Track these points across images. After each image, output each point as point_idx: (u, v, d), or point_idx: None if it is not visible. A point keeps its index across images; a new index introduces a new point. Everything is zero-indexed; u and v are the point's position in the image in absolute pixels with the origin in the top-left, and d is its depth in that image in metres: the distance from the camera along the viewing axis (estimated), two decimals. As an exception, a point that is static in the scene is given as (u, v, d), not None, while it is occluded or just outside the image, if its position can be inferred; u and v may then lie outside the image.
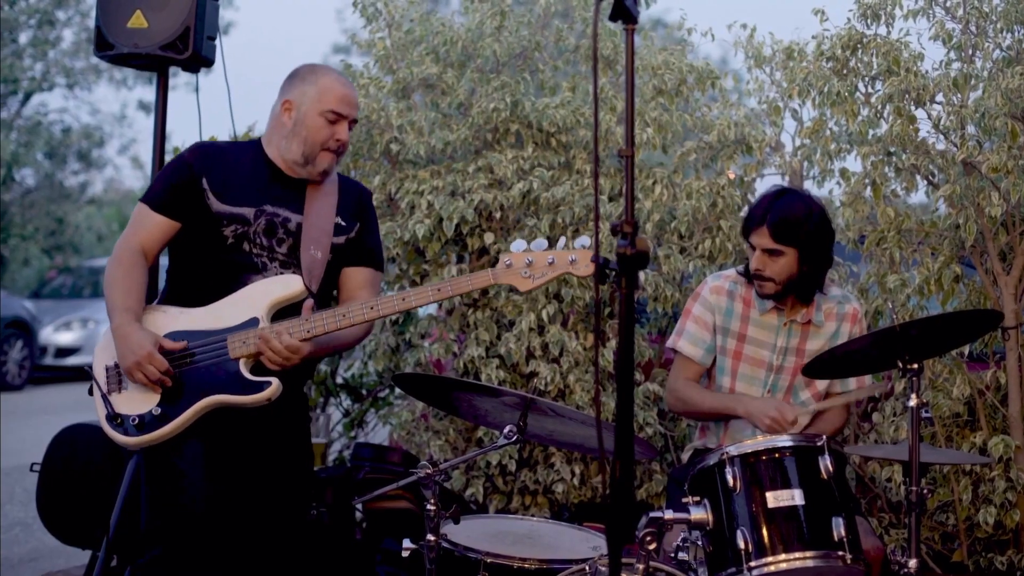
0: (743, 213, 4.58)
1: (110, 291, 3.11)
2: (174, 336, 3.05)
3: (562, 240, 2.95)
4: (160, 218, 3.15)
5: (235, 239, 3.11)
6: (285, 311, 3.08)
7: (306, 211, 3.18)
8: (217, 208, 3.11)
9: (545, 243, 2.96)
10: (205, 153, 3.20)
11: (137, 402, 3.03)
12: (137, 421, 3.00)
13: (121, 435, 3.02)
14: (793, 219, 3.45)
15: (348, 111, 3.18)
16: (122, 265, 3.12)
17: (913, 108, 4.06)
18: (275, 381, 3.01)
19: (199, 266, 3.16)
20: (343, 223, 3.25)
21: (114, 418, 3.02)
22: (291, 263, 3.15)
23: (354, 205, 3.32)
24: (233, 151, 3.25)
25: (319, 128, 3.15)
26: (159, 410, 3.00)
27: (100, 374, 3.09)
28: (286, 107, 3.19)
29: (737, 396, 3.56)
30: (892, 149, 4.13)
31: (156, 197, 3.17)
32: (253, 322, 3.03)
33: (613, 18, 2.05)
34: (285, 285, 3.09)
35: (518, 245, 2.96)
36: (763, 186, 4.67)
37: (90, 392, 3.11)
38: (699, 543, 2.83)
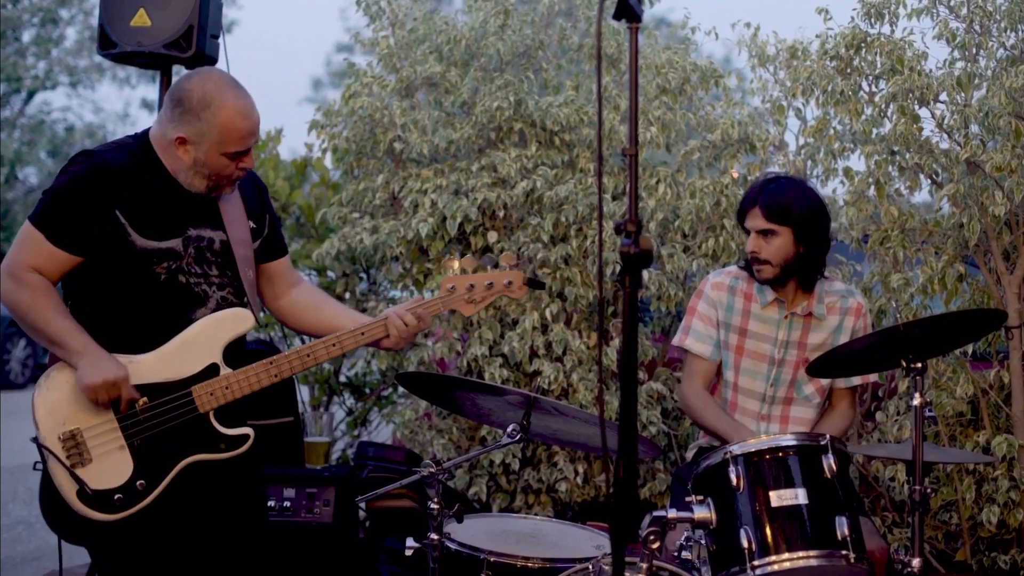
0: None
1: (42, 315, 2.79)
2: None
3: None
4: (61, 253, 2.82)
5: (168, 274, 2.89)
6: (235, 341, 2.96)
7: (227, 228, 3.00)
8: (143, 245, 2.85)
9: (475, 261, 2.98)
10: (108, 176, 2.84)
11: (111, 473, 2.79)
12: (121, 498, 2.79)
13: (100, 513, 2.78)
14: (785, 199, 3.46)
15: (252, 142, 2.92)
16: (32, 287, 2.80)
17: (917, 107, 4.06)
18: (251, 432, 2.93)
19: (131, 305, 2.88)
20: (254, 225, 3.09)
21: (90, 496, 2.76)
22: (225, 282, 2.99)
23: (256, 198, 3.15)
24: (132, 164, 2.90)
25: (223, 166, 2.90)
26: (142, 482, 2.80)
27: (55, 446, 2.77)
28: (180, 142, 2.86)
29: (738, 427, 3.51)
30: (896, 148, 4.13)
31: (57, 230, 2.81)
32: (213, 369, 2.88)
33: (617, 17, 2.05)
34: (238, 323, 2.95)
35: (454, 266, 3.00)
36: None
37: (35, 467, 2.83)
38: (702, 542, 2.83)
